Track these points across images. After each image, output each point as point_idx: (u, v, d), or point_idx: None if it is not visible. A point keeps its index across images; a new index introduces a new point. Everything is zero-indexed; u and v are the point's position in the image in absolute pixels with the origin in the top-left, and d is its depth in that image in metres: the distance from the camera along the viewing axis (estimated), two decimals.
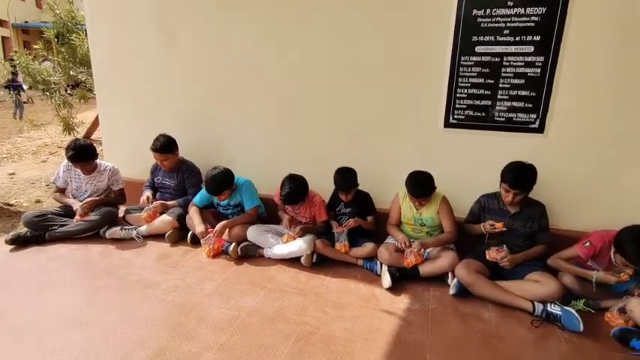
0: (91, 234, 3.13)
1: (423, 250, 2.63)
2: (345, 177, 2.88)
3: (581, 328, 2.11)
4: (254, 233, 2.97)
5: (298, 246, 2.82)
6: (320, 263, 2.86)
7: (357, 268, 2.83)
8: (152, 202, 3.24)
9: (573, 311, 2.17)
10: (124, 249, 3.00)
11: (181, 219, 3.19)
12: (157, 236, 3.15)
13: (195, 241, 3.07)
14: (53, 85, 5.19)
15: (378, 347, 1.97)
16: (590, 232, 2.43)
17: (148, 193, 3.37)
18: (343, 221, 2.96)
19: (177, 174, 3.37)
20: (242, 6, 3.22)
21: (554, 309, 2.20)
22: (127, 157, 3.85)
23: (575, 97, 2.65)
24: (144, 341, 1.96)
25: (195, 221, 3.04)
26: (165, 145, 3.22)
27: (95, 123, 6.93)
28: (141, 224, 3.20)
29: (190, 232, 3.12)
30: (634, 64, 2.51)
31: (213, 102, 3.53)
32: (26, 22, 18.96)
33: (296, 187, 2.82)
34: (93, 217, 3.14)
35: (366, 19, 2.96)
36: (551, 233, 2.60)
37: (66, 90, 5.65)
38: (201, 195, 3.16)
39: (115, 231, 3.12)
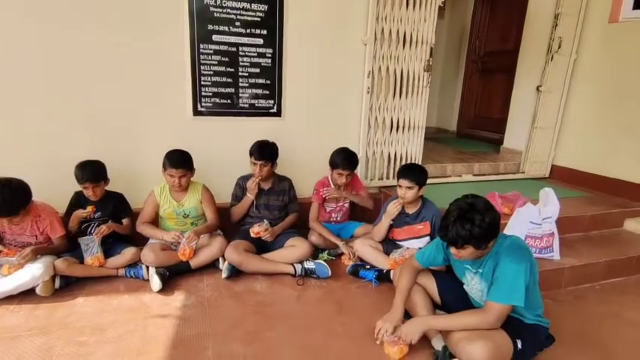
0: None
1: (194, 242, 2.56)
2: (92, 166, 2.48)
3: (330, 273, 2.61)
4: None
5: (30, 274, 2.19)
6: (67, 287, 2.35)
7: (118, 280, 2.48)
8: None
9: (322, 262, 2.66)
10: None
11: None
12: None
13: None
14: None
15: (156, 357, 1.81)
16: None
17: None
18: (92, 229, 2.51)
19: None
20: None
21: (309, 265, 2.62)
22: None
23: (298, 84, 3.13)
24: None
25: None
26: None
27: None
28: None
29: None
30: (332, 58, 3.17)
31: None
32: None
33: (7, 194, 2.12)
34: None
35: (95, 9, 2.54)
36: (298, 202, 3.05)
37: None
38: None
39: None
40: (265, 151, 2.74)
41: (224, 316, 2.17)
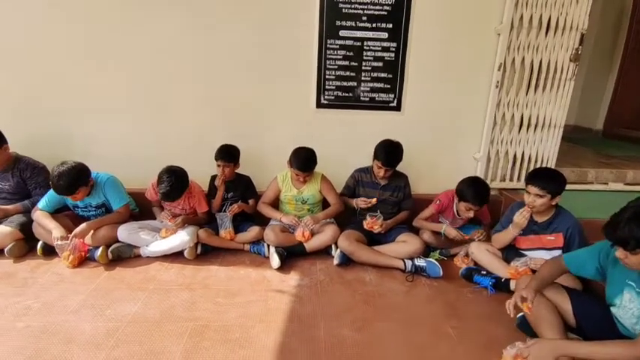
0: None
1: (314, 225, 2.74)
2: (227, 149, 2.84)
3: (441, 273, 2.53)
4: (126, 232, 2.65)
5: (180, 239, 2.64)
6: (205, 254, 2.74)
7: (244, 254, 2.80)
8: None
9: (434, 261, 2.58)
10: None
11: (26, 228, 2.63)
12: None
13: (49, 252, 2.59)
14: None
15: (274, 326, 2.01)
16: (439, 193, 2.90)
17: None
18: (226, 208, 2.88)
19: (11, 174, 2.73)
20: None
21: (420, 262, 2.58)
22: None
23: (422, 79, 3.06)
24: None
25: (49, 225, 2.54)
26: None
27: None
28: None
29: (41, 242, 2.60)
30: (458, 51, 3.00)
31: (54, 89, 2.96)
32: None
33: (176, 182, 2.54)
34: None
35: (237, 4, 2.85)
36: (412, 199, 3.01)
37: None
38: (49, 197, 2.63)
39: None
40: (394, 157, 2.75)
41: (335, 300, 2.28)
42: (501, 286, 2.38)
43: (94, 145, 3.08)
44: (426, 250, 2.76)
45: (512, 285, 2.28)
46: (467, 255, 2.69)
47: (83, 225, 2.57)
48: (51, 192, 2.60)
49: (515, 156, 3.27)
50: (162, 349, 1.81)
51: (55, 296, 2.20)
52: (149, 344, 1.85)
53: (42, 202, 2.64)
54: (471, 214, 2.66)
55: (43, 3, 2.78)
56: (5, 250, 2.53)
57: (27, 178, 2.76)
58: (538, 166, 3.28)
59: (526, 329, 1.94)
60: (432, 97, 3.11)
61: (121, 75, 2.96)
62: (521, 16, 2.90)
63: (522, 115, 3.16)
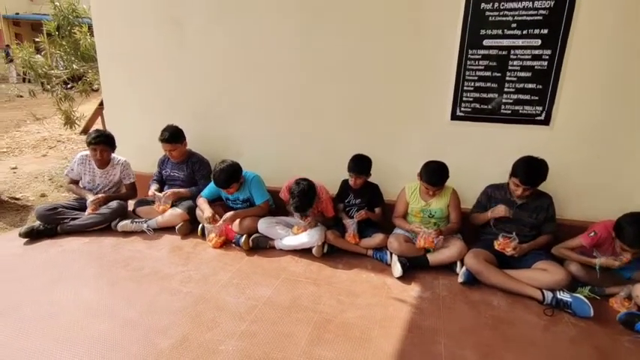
0: (102, 227, 3.16)
1: (436, 237, 2.66)
2: (360, 160, 2.94)
3: (592, 313, 2.18)
4: (264, 225, 3.01)
5: (309, 237, 2.87)
6: (331, 254, 2.91)
7: (367, 259, 2.88)
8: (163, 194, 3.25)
9: (583, 298, 2.25)
10: (136, 241, 3.03)
11: (191, 211, 3.22)
12: (167, 229, 3.19)
13: (206, 234, 3.11)
14: (54, 79, 5.13)
15: (394, 333, 2.03)
16: (595, 222, 2.51)
17: (155, 186, 3.41)
18: (352, 213, 3.01)
19: (186, 165, 3.40)
20: (249, 2, 3.23)
21: (564, 296, 2.27)
22: (133, 151, 3.86)
23: (581, 90, 2.70)
24: (166, 331, 2.00)
25: (204, 207, 3.10)
26: (173, 135, 3.25)
27: (94, 116, 6.88)
28: (151, 217, 3.23)
29: (200, 225, 3.15)
30: (635, 55, 2.56)
31: (220, 98, 3.55)
32: (17, 13, 18.62)
33: (305, 198, 2.79)
34: (104, 210, 3.17)
35: (376, 14, 2.97)
36: (556, 223, 2.67)
37: (66, 83, 5.59)
38: (210, 188, 3.19)
39: (126, 224, 3.14)
40: (535, 176, 2.50)
41: (457, 319, 2.18)
42: None
43: (244, 146, 3.58)
44: (572, 285, 2.41)
45: None
46: (629, 297, 2.26)
47: (231, 212, 3.03)
48: (212, 184, 3.12)
49: None
50: (290, 333, 2.01)
51: (209, 271, 2.63)
52: (280, 325, 2.06)
53: (205, 192, 3.21)
54: (628, 257, 2.21)
55: (210, 35, 3.38)
56: (176, 228, 3.14)
57: (196, 170, 3.39)
58: None
59: None
60: (594, 110, 2.71)
61: (272, 90, 3.37)
62: None
63: None
